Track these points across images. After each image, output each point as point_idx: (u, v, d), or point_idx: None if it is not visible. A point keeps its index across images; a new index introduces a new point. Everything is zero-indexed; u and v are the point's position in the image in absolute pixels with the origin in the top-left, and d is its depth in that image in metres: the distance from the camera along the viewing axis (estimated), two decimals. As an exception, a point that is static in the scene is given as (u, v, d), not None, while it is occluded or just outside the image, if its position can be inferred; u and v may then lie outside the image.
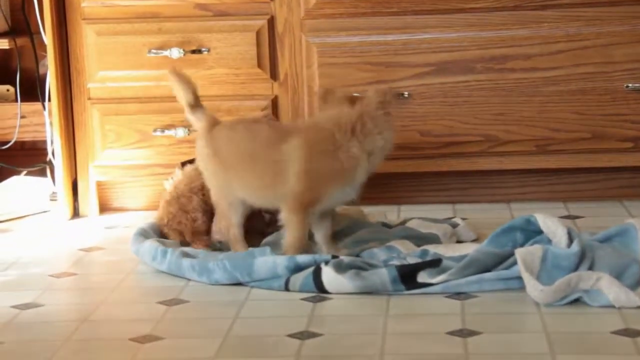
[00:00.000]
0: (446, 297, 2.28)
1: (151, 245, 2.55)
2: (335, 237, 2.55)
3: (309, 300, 2.29)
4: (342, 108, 2.47)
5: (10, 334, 2.17)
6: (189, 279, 2.45)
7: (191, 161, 2.70)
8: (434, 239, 2.58)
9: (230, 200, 2.51)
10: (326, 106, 2.52)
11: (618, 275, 2.21)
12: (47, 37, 2.99)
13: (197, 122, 2.55)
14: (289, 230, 2.46)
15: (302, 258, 2.38)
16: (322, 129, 2.45)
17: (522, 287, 2.25)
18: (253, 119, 2.67)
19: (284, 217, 2.46)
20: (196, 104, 2.55)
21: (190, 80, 2.55)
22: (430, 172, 3.02)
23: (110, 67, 3.02)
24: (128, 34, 2.99)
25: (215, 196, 2.54)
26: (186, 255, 2.51)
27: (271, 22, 2.98)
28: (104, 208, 3.13)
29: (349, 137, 2.43)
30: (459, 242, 2.62)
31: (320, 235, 2.52)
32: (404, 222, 2.72)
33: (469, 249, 2.39)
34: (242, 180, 2.48)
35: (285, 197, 2.45)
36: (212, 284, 2.41)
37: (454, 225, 2.69)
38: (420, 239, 2.56)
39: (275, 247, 2.50)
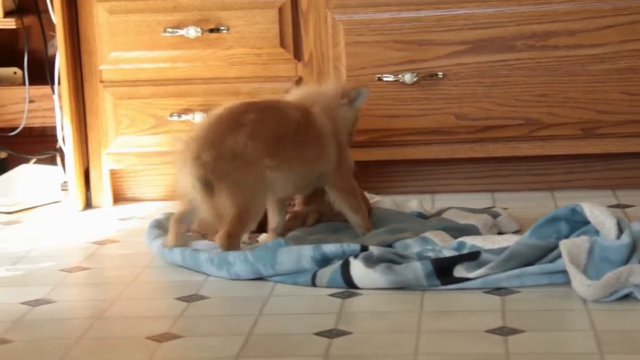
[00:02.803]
0: (485, 292, 2.28)
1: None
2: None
3: (338, 296, 2.29)
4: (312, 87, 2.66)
5: (21, 333, 2.18)
6: (207, 274, 2.45)
7: None
8: (472, 231, 2.57)
9: (263, 202, 2.50)
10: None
11: (671, 269, 2.19)
12: (56, 15, 3.00)
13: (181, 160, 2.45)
14: (355, 208, 2.56)
15: (330, 248, 2.38)
16: (319, 98, 2.58)
17: (567, 282, 2.24)
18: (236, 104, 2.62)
19: (341, 197, 2.55)
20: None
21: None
22: (466, 159, 3.01)
23: (123, 47, 3.02)
24: (142, 12, 2.99)
25: (244, 205, 2.43)
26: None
27: (295, -2, 2.98)
28: (117, 198, 3.14)
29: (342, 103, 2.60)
30: (499, 233, 2.61)
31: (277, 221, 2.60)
32: (440, 213, 2.71)
33: (509, 241, 2.39)
34: (289, 164, 2.48)
35: (331, 175, 2.54)
36: (233, 279, 2.41)
37: (495, 216, 2.68)
38: (458, 231, 2.55)
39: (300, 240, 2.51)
